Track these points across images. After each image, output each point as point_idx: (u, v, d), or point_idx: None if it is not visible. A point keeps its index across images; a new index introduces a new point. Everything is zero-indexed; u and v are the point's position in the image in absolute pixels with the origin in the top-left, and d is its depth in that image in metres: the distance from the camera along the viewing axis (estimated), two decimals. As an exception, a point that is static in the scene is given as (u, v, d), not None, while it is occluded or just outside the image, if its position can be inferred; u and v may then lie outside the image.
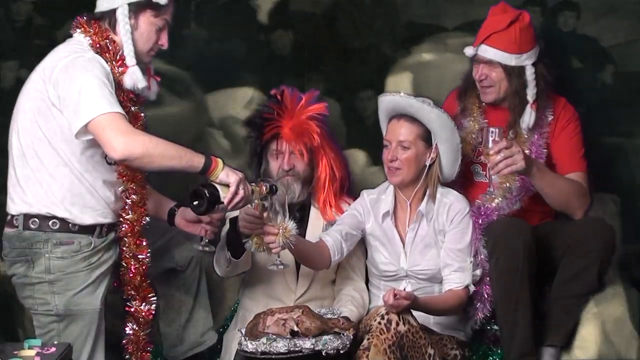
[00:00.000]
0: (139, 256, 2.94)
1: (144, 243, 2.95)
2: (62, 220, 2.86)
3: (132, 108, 2.91)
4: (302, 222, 3.35)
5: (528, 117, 3.32)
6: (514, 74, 3.30)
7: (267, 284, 3.32)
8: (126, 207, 2.93)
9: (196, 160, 2.80)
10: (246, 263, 3.23)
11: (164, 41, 2.97)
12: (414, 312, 2.96)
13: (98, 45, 2.87)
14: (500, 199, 3.28)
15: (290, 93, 3.35)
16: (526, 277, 3.09)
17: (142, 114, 2.95)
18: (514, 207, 3.29)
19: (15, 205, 2.88)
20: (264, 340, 2.83)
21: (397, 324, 2.85)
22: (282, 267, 3.01)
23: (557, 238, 3.26)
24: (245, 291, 3.39)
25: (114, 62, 2.87)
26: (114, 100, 2.77)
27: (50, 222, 2.85)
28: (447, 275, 3.16)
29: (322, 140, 3.33)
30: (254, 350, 2.83)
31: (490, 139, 3.08)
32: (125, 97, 2.88)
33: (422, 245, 3.21)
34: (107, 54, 2.87)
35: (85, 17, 2.94)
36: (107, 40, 2.89)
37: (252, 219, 2.97)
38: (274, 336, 2.84)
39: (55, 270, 2.86)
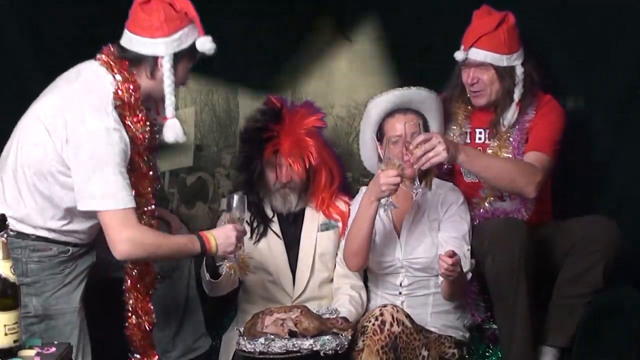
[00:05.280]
0: (140, 312, 2.93)
1: (148, 299, 2.94)
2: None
3: (143, 165, 2.86)
4: (296, 224, 3.39)
5: (511, 116, 3.35)
6: (506, 74, 3.33)
7: (264, 287, 3.34)
8: (130, 265, 2.91)
9: (194, 250, 2.87)
10: (231, 283, 3.24)
11: (187, 77, 2.94)
12: (411, 314, 2.98)
13: (121, 99, 2.79)
14: (492, 198, 3.33)
15: (287, 104, 3.37)
16: (524, 276, 3.09)
17: (151, 172, 2.91)
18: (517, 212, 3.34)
19: None
20: (262, 340, 2.85)
21: (391, 325, 2.87)
22: (392, 207, 3.05)
23: (562, 237, 3.26)
24: (244, 294, 3.40)
25: (133, 118, 2.80)
26: (128, 190, 2.75)
27: (27, 233, 2.87)
28: None
29: (320, 152, 3.35)
30: (252, 350, 2.85)
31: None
32: (138, 155, 2.84)
33: (417, 235, 3.22)
34: (128, 109, 2.80)
35: (113, 50, 2.84)
36: (133, 91, 2.80)
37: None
38: (272, 336, 2.86)
39: (31, 274, 2.87)
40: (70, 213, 2.85)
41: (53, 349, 2.57)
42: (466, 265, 3.11)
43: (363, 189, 3.35)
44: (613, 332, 3.17)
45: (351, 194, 3.49)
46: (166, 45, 2.80)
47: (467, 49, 3.34)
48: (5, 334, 2.43)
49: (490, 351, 3.33)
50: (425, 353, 2.95)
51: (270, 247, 3.35)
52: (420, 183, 3.07)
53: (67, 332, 2.89)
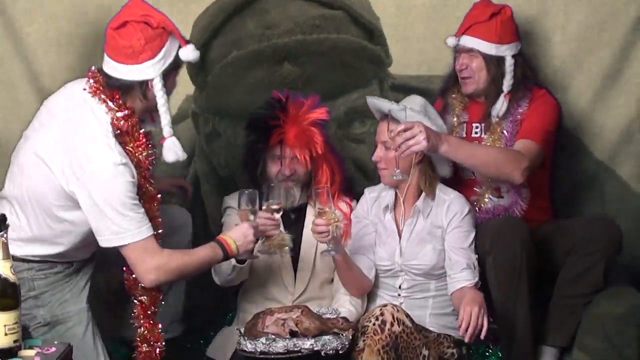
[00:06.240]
0: (151, 340, 2.92)
1: (158, 326, 2.93)
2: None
3: (150, 188, 2.86)
4: (297, 223, 3.38)
5: (499, 106, 3.36)
6: (493, 63, 3.35)
7: (264, 286, 3.33)
8: (139, 288, 2.90)
9: (217, 258, 2.91)
10: (246, 273, 3.24)
11: (175, 83, 2.92)
12: (410, 313, 2.97)
13: (119, 128, 2.77)
14: (488, 194, 3.34)
15: (292, 97, 3.36)
16: (525, 274, 3.10)
17: (159, 195, 2.90)
18: (515, 205, 3.35)
19: None
20: (263, 340, 2.84)
21: (392, 325, 2.86)
22: (333, 253, 3.07)
23: (563, 236, 3.26)
24: (244, 294, 3.39)
25: (135, 143, 2.80)
26: (144, 220, 2.77)
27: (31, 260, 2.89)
28: (456, 273, 3.13)
29: (323, 146, 3.34)
30: (253, 350, 2.84)
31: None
32: (143, 178, 2.84)
33: (418, 241, 3.22)
34: (127, 136, 2.79)
35: (99, 78, 2.80)
36: (128, 117, 2.78)
37: (264, 221, 3.02)
38: (273, 336, 2.85)
39: (38, 288, 2.90)
40: (74, 243, 2.87)
41: (53, 349, 2.58)
42: (476, 275, 3.11)
43: (366, 191, 3.37)
44: (613, 332, 3.16)
45: (353, 195, 3.48)
46: (153, 67, 2.76)
47: (459, 36, 3.39)
48: (5, 334, 2.44)
49: (490, 351, 3.33)
50: (425, 352, 2.94)
51: (275, 245, 3.34)
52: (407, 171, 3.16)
53: (79, 332, 2.92)
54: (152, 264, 2.78)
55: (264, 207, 3.06)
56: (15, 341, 2.46)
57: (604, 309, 3.19)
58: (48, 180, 2.77)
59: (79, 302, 2.95)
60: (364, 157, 3.60)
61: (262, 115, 3.34)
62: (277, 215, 3.06)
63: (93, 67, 2.86)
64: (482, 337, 2.91)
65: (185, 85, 3.52)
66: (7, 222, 2.46)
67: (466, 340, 2.92)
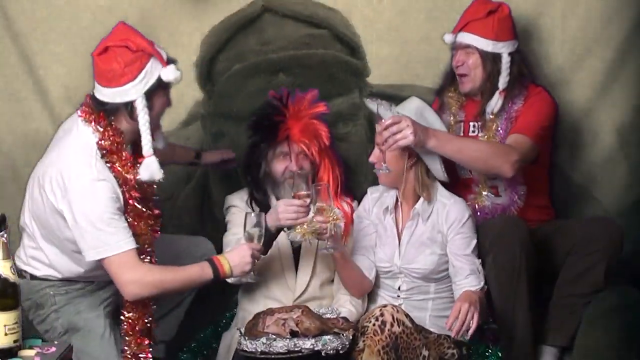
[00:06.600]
0: (140, 355, 2.96)
1: (145, 342, 2.97)
2: None
3: (138, 206, 2.89)
4: (299, 222, 3.37)
5: (494, 103, 3.36)
6: (489, 59, 3.35)
7: (265, 285, 3.32)
8: (127, 305, 2.94)
9: (206, 277, 2.92)
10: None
11: (170, 101, 2.96)
12: (411, 314, 2.97)
13: (104, 148, 2.85)
14: (486, 192, 3.34)
15: (292, 95, 3.37)
16: (524, 274, 3.09)
17: (147, 212, 2.93)
18: (512, 203, 3.36)
19: (23, 264, 2.99)
20: (263, 340, 2.84)
21: (392, 325, 2.86)
22: (332, 250, 3.07)
23: (563, 237, 3.26)
24: (244, 292, 3.38)
25: (121, 162, 2.86)
26: (124, 234, 2.81)
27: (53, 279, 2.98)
28: (461, 279, 3.12)
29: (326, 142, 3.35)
30: (253, 350, 2.84)
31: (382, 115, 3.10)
32: (131, 196, 2.87)
33: (418, 244, 3.21)
34: (113, 154, 2.86)
35: (90, 103, 2.89)
36: (114, 136, 2.85)
37: (297, 208, 3.03)
38: (274, 336, 2.85)
39: (59, 302, 2.98)
40: (87, 264, 2.91)
41: (53, 349, 2.60)
42: (481, 279, 3.10)
43: (369, 190, 3.37)
44: (613, 332, 3.17)
45: (353, 195, 3.49)
46: (135, 88, 2.83)
47: (456, 32, 3.39)
48: (5, 334, 2.46)
49: (490, 351, 3.32)
50: (425, 353, 2.94)
51: (278, 244, 3.31)
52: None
53: (98, 333, 2.99)
54: (129, 278, 2.83)
55: (293, 195, 3.07)
56: (15, 341, 2.48)
57: (604, 309, 3.19)
58: (44, 202, 2.85)
59: (96, 310, 3.01)
60: (347, 154, 3.76)
61: (265, 114, 3.35)
62: (308, 201, 3.06)
63: (88, 94, 2.94)
64: (469, 334, 2.91)
65: (193, 91, 3.81)
66: (6, 222, 2.48)
67: (452, 335, 2.92)
